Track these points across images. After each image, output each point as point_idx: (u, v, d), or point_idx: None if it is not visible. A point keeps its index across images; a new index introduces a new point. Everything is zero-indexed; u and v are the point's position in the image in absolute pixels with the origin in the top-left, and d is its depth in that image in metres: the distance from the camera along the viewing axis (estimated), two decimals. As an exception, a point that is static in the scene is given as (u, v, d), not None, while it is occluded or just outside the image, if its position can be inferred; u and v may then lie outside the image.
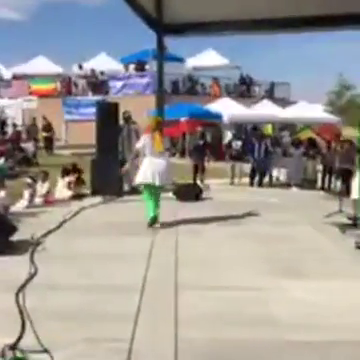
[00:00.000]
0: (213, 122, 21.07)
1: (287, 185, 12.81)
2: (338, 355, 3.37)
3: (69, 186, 9.69)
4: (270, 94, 28.36)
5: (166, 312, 4.04)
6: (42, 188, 9.24)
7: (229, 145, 14.35)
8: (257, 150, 12.83)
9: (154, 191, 7.24)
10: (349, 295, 4.46)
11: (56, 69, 28.84)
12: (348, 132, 22.10)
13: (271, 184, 13.05)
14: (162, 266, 5.32)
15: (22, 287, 4.44)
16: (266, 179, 13.06)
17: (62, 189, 9.68)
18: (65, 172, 9.92)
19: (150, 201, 7.24)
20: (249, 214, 8.25)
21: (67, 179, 9.77)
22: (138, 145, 7.48)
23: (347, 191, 10.40)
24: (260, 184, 12.82)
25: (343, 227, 7.03)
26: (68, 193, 9.61)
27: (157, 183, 7.10)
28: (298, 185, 12.52)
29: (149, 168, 7.14)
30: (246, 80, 28.07)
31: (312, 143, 13.99)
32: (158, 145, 7.16)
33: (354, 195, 6.10)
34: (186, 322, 3.82)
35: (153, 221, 7.16)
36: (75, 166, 10.20)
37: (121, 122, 10.82)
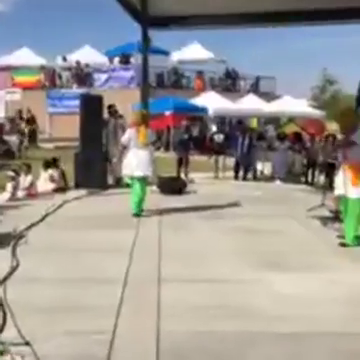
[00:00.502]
0: (198, 116, 21.07)
1: (272, 178, 12.86)
2: (320, 346, 3.41)
3: (51, 179, 9.62)
4: (255, 88, 28.44)
5: (149, 305, 4.04)
6: (25, 181, 9.16)
7: (211, 139, 14.33)
8: (241, 144, 12.86)
9: (139, 182, 7.43)
10: (330, 287, 4.51)
11: (40, 61, 28.53)
12: (332, 126, 22.30)
13: (255, 178, 13.11)
14: (145, 259, 5.32)
15: (4, 280, 4.42)
16: (250, 173, 13.11)
17: (44, 182, 9.61)
18: (47, 165, 9.84)
19: (134, 195, 7.45)
20: (232, 207, 8.29)
21: (49, 172, 9.70)
22: (124, 138, 7.71)
23: (330, 185, 10.52)
24: (244, 178, 12.87)
25: (325, 220, 7.10)
26: (51, 186, 9.54)
27: (141, 174, 7.37)
28: (282, 179, 12.59)
29: (134, 160, 7.38)
30: (232, 74, 28.10)
31: (298, 137, 14.07)
32: (143, 138, 7.38)
33: (337, 191, 6.10)
34: (168, 315, 3.84)
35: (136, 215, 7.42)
36: (55, 159, 10.11)
37: (106, 115, 10.77)
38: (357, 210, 5.84)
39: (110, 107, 10.90)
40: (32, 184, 9.28)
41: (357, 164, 5.79)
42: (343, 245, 5.87)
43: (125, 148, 7.74)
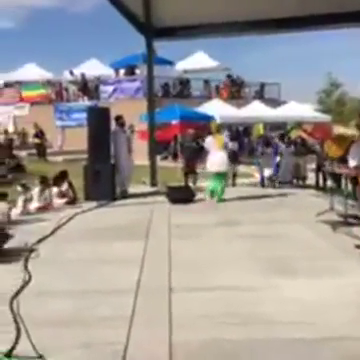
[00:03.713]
0: (205, 124, 21.05)
1: (280, 183, 12.83)
2: (330, 351, 3.42)
3: (61, 194, 9.66)
4: (260, 95, 28.43)
5: (160, 315, 4.07)
6: (42, 195, 9.21)
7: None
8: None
9: (221, 176, 9.56)
10: (340, 292, 4.51)
11: (47, 75, 28.80)
12: (340, 131, 22.20)
13: (263, 184, 13.09)
14: (156, 269, 5.35)
15: (16, 294, 4.47)
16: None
17: (55, 197, 9.64)
18: (55, 181, 9.89)
19: (215, 182, 9.54)
20: (241, 214, 8.30)
21: (58, 188, 9.73)
22: (205, 144, 9.98)
23: (338, 188, 10.48)
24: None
25: (334, 225, 7.09)
26: (62, 200, 9.59)
27: (223, 170, 9.57)
28: (290, 183, 12.59)
29: (216, 160, 9.49)
30: (237, 81, 28.13)
31: (302, 140, 14.08)
32: (219, 143, 9.61)
33: None
34: (180, 324, 3.86)
35: (212, 195, 9.58)
36: (63, 173, 10.16)
37: (114, 127, 10.77)
38: None
39: (118, 119, 10.93)
40: (46, 198, 9.30)
41: None
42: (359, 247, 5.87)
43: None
